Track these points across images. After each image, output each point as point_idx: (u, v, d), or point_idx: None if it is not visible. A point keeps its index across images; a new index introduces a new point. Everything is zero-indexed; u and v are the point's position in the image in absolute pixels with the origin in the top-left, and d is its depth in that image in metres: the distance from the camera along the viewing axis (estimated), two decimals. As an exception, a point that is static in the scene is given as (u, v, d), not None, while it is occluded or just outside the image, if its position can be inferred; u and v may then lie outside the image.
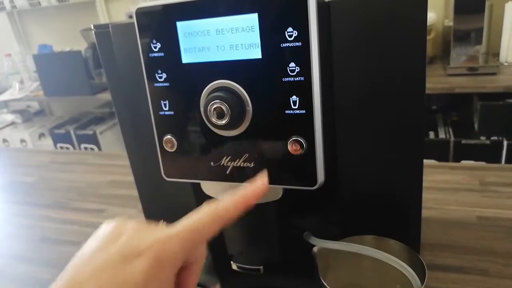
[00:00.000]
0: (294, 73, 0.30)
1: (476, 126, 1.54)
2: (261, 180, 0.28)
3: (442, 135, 1.57)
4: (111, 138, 2.30)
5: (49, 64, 2.12)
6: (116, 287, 0.23)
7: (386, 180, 0.36)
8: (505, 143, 1.43)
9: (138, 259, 0.23)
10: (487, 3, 1.45)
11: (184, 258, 0.25)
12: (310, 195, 0.35)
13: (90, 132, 2.22)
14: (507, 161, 1.43)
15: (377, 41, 0.32)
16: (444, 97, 1.69)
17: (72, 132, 2.26)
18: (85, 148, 2.24)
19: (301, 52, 0.29)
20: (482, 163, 1.32)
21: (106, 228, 0.26)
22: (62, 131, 2.30)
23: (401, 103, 0.33)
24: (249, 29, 0.30)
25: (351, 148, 0.36)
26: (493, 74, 1.49)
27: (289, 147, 0.32)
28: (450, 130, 1.58)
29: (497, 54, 1.63)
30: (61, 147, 2.31)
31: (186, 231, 0.25)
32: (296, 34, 0.29)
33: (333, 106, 0.34)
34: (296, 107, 0.31)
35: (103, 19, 2.39)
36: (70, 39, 2.53)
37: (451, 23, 1.49)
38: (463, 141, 1.48)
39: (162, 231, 0.25)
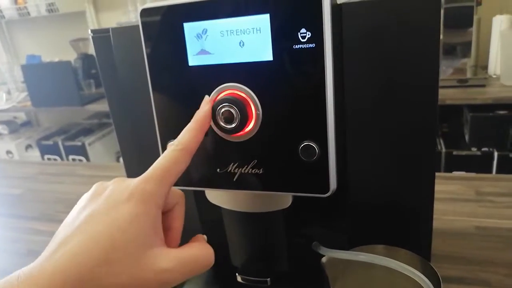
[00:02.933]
0: (307, 76, 0.29)
1: (467, 137, 1.55)
2: (205, 101, 0.31)
3: (436, 146, 1.58)
4: (100, 150, 2.27)
5: (37, 75, 2.09)
6: (107, 228, 0.25)
7: (397, 188, 0.36)
8: (495, 154, 1.45)
9: (124, 203, 0.26)
10: (475, 17, 1.48)
11: (164, 195, 0.28)
12: (319, 203, 0.34)
13: (79, 143, 2.18)
14: (498, 172, 1.44)
15: (389, 45, 0.31)
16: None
17: (60, 143, 2.22)
18: (74, 160, 2.20)
19: (314, 54, 0.29)
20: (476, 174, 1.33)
21: (87, 193, 0.29)
22: (50, 142, 2.26)
23: (413, 111, 0.32)
24: (260, 30, 0.29)
25: (361, 155, 0.35)
26: (482, 86, 1.51)
27: (301, 153, 0.31)
28: (441, 141, 1.60)
29: (485, 67, 1.66)
30: (49, 159, 2.26)
31: (158, 173, 0.27)
32: (309, 35, 0.28)
33: (344, 111, 0.33)
34: (309, 111, 0.30)
35: (93, 30, 2.38)
36: (59, 49, 2.50)
37: (440, 37, 1.51)
38: (454, 152, 1.49)
39: (138, 179, 0.27)
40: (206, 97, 0.32)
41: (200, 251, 0.28)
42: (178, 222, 0.30)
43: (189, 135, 0.29)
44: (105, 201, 0.27)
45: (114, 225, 0.25)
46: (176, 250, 0.28)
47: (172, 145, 0.29)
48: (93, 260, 0.24)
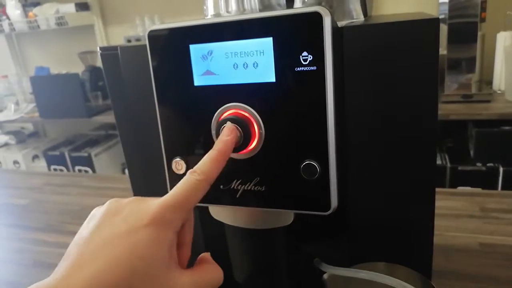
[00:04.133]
0: (308, 97, 0.30)
1: (472, 152, 1.55)
2: (229, 130, 0.31)
3: (438, 161, 1.58)
4: (105, 161, 2.28)
5: (45, 86, 2.13)
6: (127, 254, 0.25)
7: (397, 205, 0.36)
8: (501, 169, 1.44)
9: (145, 228, 0.26)
10: (479, 33, 1.49)
11: (181, 221, 0.28)
12: (320, 220, 0.34)
13: (85, 154, 2.20)
14: (503, 188, 1.43)
15: (389, 66, 0.32)
16: (439, 123, 1.70)
17: (66, 154, 2.24)
18: (79, 170, 2.22)
19: (316, 76, 0.29)
20: (481, 190, 1.32)
21: (100, 209, 0.29)
22: (56, 153, 2.28)
23: (413, 128, 0.33)
24: (263, 53, 0.30)
25: (361, 173, 0.35)
26: (487, 101, 1.51)
27: (302, 171, 0.31)
28: (446, 156, 1.59)
29: (490, 82, 1.66)
30: (55, 169, 2.28)
31: (178, 200, 0.27)
32: (311, 58, 0.29)
33: (345, 130, 0.34)
34: (310, 130, 0.31)
35: (101, 43, 2.42)
36: (67, 62, 2.55)
37: (444, 52, 1.53)
38: (459, 168, 1.49)
39: (159, 203, 0.27)
40: (229, 124, 0.31)
41: (212, 274, 0.30)
42: (188, 237, 0.30)
43: (211, 165, 0.29)
44: (124, 223, 0.26)
45: (134, 251, 0.25)
46: (192, 273, 0.28)
47: (194, 173, 0.28)
48: (113, 286, 0.24)
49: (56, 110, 2.15)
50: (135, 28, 2.22)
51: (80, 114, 2.10)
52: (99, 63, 2.27)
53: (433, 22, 0.30)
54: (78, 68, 2.30)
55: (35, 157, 2.43)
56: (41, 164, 2.37)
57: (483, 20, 1.47)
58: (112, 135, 2.47)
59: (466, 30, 1.49)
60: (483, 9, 1.45)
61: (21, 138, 2.61)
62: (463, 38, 1.50)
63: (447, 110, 1.47)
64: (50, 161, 2.30)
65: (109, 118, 2.09)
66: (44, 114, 2.21)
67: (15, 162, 2.39)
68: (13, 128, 2.70)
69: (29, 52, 2.79)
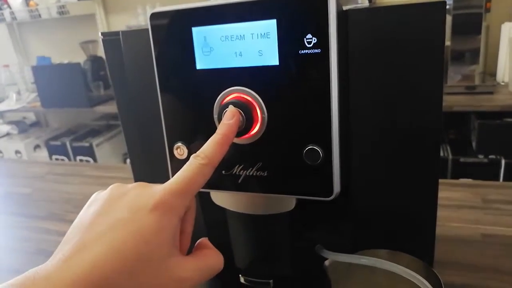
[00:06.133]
0: (312, 81, 0.30)
1: (474, 144, 1.55)
2: (231, 113, 0.30)
3: (440, 152, 1.57)
4: (107, 151, 2.28)
5: (47, 76, 2.12)
6: (132, 238, 0.24)
7: (400, 193, 0.36)
8: (503, 161, 1.44)
9: (150, 212, 0.25)
10: (483, 24, 1.48)
11: (186, 207, 0.28)
12: (322, 206, 0.34)
13: (87, 144, 2.20)
14: (505, 180, 1.43)
15: (394, 51, 0.31)
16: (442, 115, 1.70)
17: (68, 144, 2.24)
18: (81, 160, 2.22)
19: (320, 59, 0.29)
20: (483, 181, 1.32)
21: (102, 194, 0.28)
22: (58, 142, 2.28)
23: (418, 116, 0.33)
24: (267, 36, 0.30)
25: (365, 160, 0.35)
26: (490, 93, 1.51)
27: (305, 156, 0.31)
28: (448, 148, 1.59)
29: (494, 74, 1.65)
30: (57, 159, 2.28)
31: (182, 186, 0.27)
32: (315, 41, 0.29)
33: (348, 115, 0.33)
34: (313, 115, 0.30)
35: (103, 32, 2.40)
36: (69, 51, 2.54)
37: (448, 43, 1.51)
38: (461, 159, 1.49)
39: (163, 188, 0.27)
40: (231, 107, 0.31)
41: (213, 260, 0.29)
42: (189, 226, 0.30)
43: (215, 149, 0.29)
44: (128, 207, 0.26)
45: (139, 236, 0.24)
46: (193, 259, 0.28)
47: (198, 157, 0.28)
48: (116, 271, 0.23)
49: (58, 99, 2.14)
50: (136, 17, 2.20)
51: (81, 104, 2.10)
52: (100, 52, 2.26)
53: (440, 5, 0.29)
54: (80, 58, 2.29)
55: (36, 147, 2.44)
56: (43, 154, 2.38)
57: (488, 10, 1.46)
58: (113, 125, 2.47)
59: (470, 21, 1.47)
60: (488, -1, 1.43)
61: (23, 127, 2.61)
62: (467, 29, 1.49)
63: (450, 101, 1.46)
64: (52, 151, 2.31)
65: (110, 108, 2.09)
66: (46, 104, 2.21)
67: (17, 152, 2.39)
68: (15, 118, 2.70)
69: (30, 41, 2.78)
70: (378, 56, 0.31)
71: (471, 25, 1.48)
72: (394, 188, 0.35)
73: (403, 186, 0.35)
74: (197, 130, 0.35)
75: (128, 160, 0.46)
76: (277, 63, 0.30)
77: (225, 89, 0.32)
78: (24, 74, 2.52)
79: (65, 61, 2.37)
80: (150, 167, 0.44)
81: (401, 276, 0.32)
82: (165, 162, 0.37)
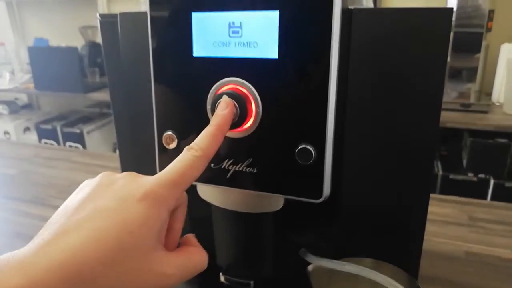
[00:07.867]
0: (311, 77, 0.29)
1: (464, 162, 1.55)
2: (225, 103, 0.29)
3: (434, 164, 1.58)
4: (97, 139, 2.26)
5: (43, 58, 2.09)
6: (116, 227, 0.23)
7: (390, 203, 0.35)
8: (492, 181, 1.45)
9: (138, 202, 0.24)
10: (483, 43, 1.49)
11: (176, 200, 0.27)
12: (310, 209, 0.33)
13: (77, 131, 2.18)
14: (492, 200, 1.44)
15: (395, 55, 0.31)
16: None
17: (58, 128, 2.22)
18: (70, 146, 2.19)
19: (320, 55, 0.28)
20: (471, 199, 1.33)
21: (91, 181, 0.27)
22: (48, 126, 2.26)
23: (414, 126, 0.32)
24: (268, 27, 0.29)
25: (357, 166, 0.34)
26: (485, 112, 1.52)
27: (297, 155, 0.30)
28: (439, 163, 1.60)
29: (489, 93, 1.66)
30: (46, 143, 2.25)
31: (174, 178, 0.26)
32: (317, 37, 0.28)
33: (344, 119, 0.32)
34: (309, 113, 0.29)
35: (103, 19, 2.38)
36: (67, 35, 2.51)
37: (447, 59, 1.52)
38: (451, 176, 1.49)
39: (154, 179, 0.26)
40: (225, 97, 0.30)
41: (198, 258, 0.28)
42: (179, 223, 0.29)
43: (209, 141, 0.28)
44: (115, 196, 0.25)
45: (123, 225, 0.23)
46: (177, 255, 0.27)
47: (191, 149, 0.27)
48: (96, 260, 0.22)
49: (52, 83, 2.11)
50: (139, 5, 2.18)
51: (76, 89, 2.07)
52: (99, 39, 2.24)
53: (447, 12, 0.28)
54: (78, 43, 2.26)
55: (26, 129, 2.40)
56: (32, 137, 2.34)
57: (489, 29, 1.47)
58: (106, 114, 2.45)
59: (470, 39, 1.48)
60: (490, 18, 1.44)
61: (14, 108, 2.57)
62: (467, 47, 1.50)
63: (444, 117, 1.47)
64: (42, 134, 2.28)
65: (104, 95, 2.07)
66: (39, 86, 2.18)
67: (6, 132, 2.36)
68: (7, 98, 2.66)
69: (29, 21, 2.74)
70: (379, 58, 0.31)
71: (471, 43, 1.49)
72: (383, 198, 0.35)
73: (394, 197, 0.34)
74: (188, 119, 0.34)
75: (117, 150, 0.45)
76: (276, 57, 0.29)
77: (221, 79, 0.31)
78: (19, 54, 2.48)
79: (63, 45, 2.35)
80: (138, 157, 0.43)
81: (385, 286, 0.31)
82: (154, 154, 0.36)
